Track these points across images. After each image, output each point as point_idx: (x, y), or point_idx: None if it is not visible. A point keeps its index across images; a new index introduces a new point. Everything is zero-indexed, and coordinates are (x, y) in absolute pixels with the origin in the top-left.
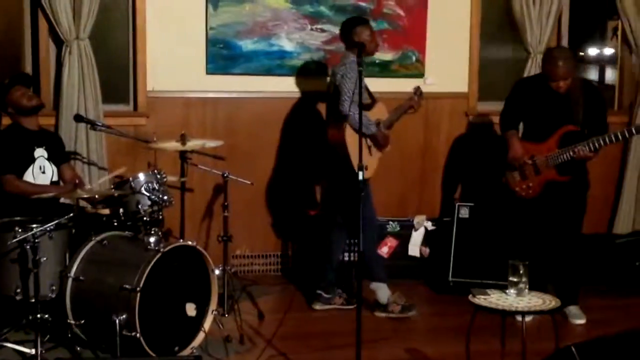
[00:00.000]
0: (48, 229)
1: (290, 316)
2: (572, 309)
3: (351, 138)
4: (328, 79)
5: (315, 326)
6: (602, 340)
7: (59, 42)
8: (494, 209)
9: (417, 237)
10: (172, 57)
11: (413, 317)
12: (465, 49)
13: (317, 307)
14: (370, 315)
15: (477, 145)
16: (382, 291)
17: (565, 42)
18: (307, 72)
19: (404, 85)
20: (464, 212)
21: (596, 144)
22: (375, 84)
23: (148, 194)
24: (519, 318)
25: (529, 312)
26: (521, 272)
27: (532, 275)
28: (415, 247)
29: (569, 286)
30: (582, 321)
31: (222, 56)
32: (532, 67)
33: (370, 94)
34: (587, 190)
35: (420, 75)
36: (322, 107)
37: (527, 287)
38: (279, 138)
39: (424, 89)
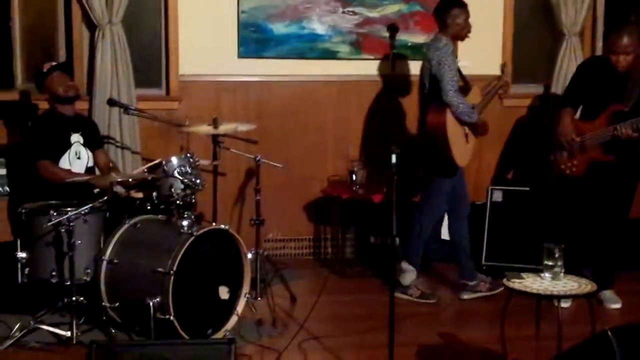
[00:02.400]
0: (83, 212)
1: (323, 299)
2: (607, 294)
3: (452, 124)
4: (421, 63)
5: (348, 310)
6: (637, 324)
7: (92, 27)
8: (531, 191)
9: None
10: (204, 41)
11: (443, 301)
12: (498, 30)
13: (465, 296)
14: (404, 300)
15: (512, 127)
16: (409, 274)
17: (600, 24)
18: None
19: None
20: (497, 196)
21: (635, 124)
22: (409, 67)
23: (181, 178)
24: (558, 303)
25: (564, 296)
26: (556, 255)
27: (568, 258)
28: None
29: (605, 270)
30: (617, 305)
31: (254, 40)
32: (567, 50)
33: (464, 77)
34: (637, 174)
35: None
36: (362, 92)
37: (563, 270)
38: (318, 121)
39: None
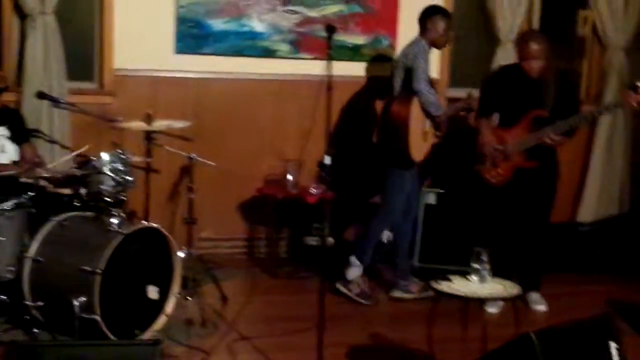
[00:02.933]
0: (6, 208)
1: (255, 300)
2: (534, 296)
3: (415, 118)
4: (393, 59)
5: (280, 310)
6: (560, 328)
7: (23, 17)
8: (461, 197)
9: None
10: (140, 35)
11: (372, 303)
12: None
13: (396, 294)
14: (335, 300)
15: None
16: (354, 270)
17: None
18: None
19: (375, 70)
20: (431, 199)
21: (561, 128)
22: (346, 68)
23: (111, 174)
24: (483, 305)
25: (489, 299)
26: (484, 259)
27: (496, 261)
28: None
29: (531, 273)
30: (543, 308)
31: (192, 35)
32: (503, 55)
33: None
34: (556, 178)
35: (391, 60)
36: (300, 92)
37: (490, 273)
38: (255, 120)
39: None
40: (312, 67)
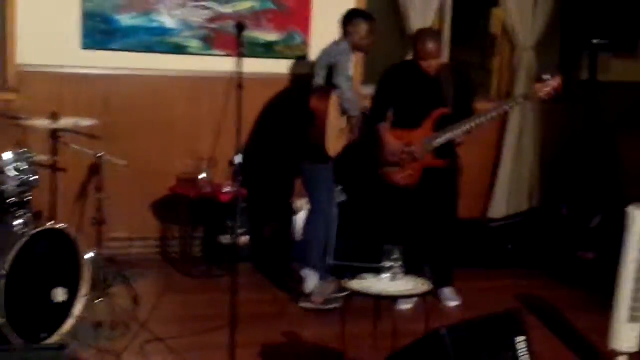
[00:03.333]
0: None
1: (168, 300)
2: (446, 291)
3: (333, 113)
4: (314, 59)
5: (194, 310)
6: (469, 323)
7: None
8: (371, 197)
9: (299, 221)
10: (45, 30)
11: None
12: None
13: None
14: (250, 300)
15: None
16: (311, 280)
17: (447, 28)
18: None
19: (288, 67)
20: (343, 196)
21: (473, 125)
22: (260, 65)
23: (15, 174)
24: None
25: (399, 297)
26: (395, 256)
27: (409, 258)
28: (299, 231)
29: (444, 269)
30: (455, 303)
31: (100, 31)
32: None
33: None
34: (458, 174)
35: (305, 57)
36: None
37: (402, 271)
38: (167, 118)
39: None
40: (224, 64)
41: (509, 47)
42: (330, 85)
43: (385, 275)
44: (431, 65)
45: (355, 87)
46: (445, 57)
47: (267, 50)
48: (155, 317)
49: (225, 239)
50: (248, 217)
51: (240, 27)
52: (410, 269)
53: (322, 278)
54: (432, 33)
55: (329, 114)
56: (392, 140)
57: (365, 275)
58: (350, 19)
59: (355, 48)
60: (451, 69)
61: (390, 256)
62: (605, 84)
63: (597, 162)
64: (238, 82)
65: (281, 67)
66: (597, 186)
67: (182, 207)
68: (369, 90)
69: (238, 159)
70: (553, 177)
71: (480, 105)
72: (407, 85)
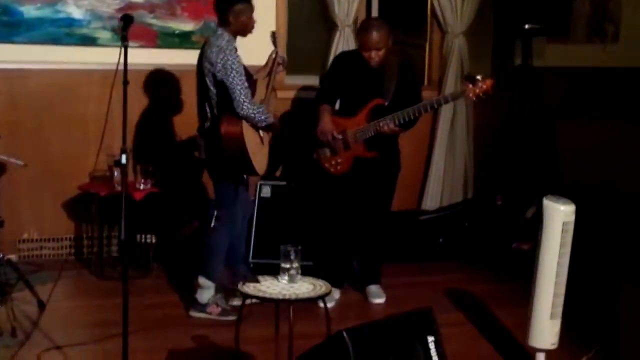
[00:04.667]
0: None
1: (76, 304)
2: (373, 288)
3: (248, 131)
4: (199, 58)
5: (103, 315)
6: (374, 324)
7: None
8: (300, 187)
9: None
10: None
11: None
12: (271, 20)
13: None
14: (159, 303)
15: (286, 119)
16: (206, 290)
17: (374, 15)
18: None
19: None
20: (266, 191)
21: (400, 118)
22: (175, 56)
23: None
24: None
25: (295, 300)
26: (292, 257)
27: (338, 252)
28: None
29: (371, 265)
30: (381, 300)
31: (2, 23)
32: (340, 41)
33: (247, 71)
34: (397, 171)
35: None
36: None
37: (299, 272)
38: (78, 113)
39: None
40: (138, 56)
41: (439, 33)
42: (231, 109)
43: (283, 278)
44: (372, 56)
45: (278, 77)
46: (390, 48)
47: (183, 40)
48: (61, 323)
49: (142, 239)
50: (165, 215)
51: (127, 19)
52: (337, 263)
53: (219, 288)
54: (375, 24)
55: (245, 137)
56: (327, 122)
57: (262, 277)
58: (229, 6)
59: (238, 34)
60: (398, 61)
61: (287, 257)
62: (540, 69)
63: (534, 150)
64: (123, 77)
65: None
66: (533, 175)
67: (93, 206)
68: (293, 80)
69: (123, 159)
70: (488, 167)
71: None
72: (350, 74)
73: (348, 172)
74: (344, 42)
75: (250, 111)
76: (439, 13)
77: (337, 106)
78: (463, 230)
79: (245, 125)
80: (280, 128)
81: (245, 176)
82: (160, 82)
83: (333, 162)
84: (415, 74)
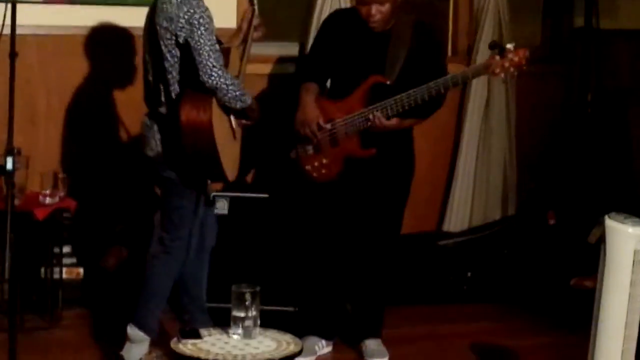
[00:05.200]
0: None
1: None
2: (371, 345)
3: (218, 119)
4: (145, 21)
5: None
6: None
7: None
8: (273, 200)
9: None
10: None
11: None
12: None
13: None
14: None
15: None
16: (137, 346)
17: None
18: None
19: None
20: (222, 206)
21: (397, 106)
22: (98, 15)
23: None
24: None
25: None
26: (248, 302)
27: (324, 291)
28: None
29: (370, 312)
30: None
31: None
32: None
33: (217, 39)
34: (409, 178)
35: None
36: None
37: (258, 323)
38: None
39: None
40: (41, 15)
41: None
42: (198, 84)
43: (236, 331)
44: (370, 12)
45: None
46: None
47: None
48: None
49: (48, 274)
50: (82, 239)
51: None
52: (325, 306)
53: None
54: None
55: (215, 126)
56: (311, 107)
57: (206, 330)
58: None
59: None
60: (411, 24)
61: (241, 302)
62: (610, 33)
63: (600, 149)
64: (10, 47)
65: (132, 18)
66: (599, 184)
67: None
68: (262, 49)
69: (9, 163)
70: (536, 173)
71: None
72: (345, 40)
73: (338, 178)
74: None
75: (222, 81)
76: None
77: (328, 85)
78: (500, 260)
79: (215, 111)
80: (258, 115)
81: (208, 183)
82: (79, 52)
83: (317, 164)
84: (436, 40)
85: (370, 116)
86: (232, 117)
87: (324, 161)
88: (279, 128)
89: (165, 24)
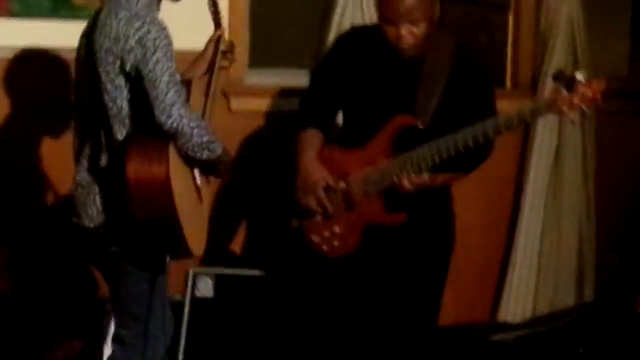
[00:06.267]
0: None
1: None
2: None
3: (178, 173)
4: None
5: None
6: None
7: None
8: (270, 280)
9: None
10: None
11: None
12: None
13: None
14: None
15: (246, 150)
16: None
17: None
18: None
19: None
20: (205, 287)
21: (443, 153)
22: (43, 32)
23: None
24: None
25: None
26: None
27: None
28: (109, 347)
29: None
30: None
31: None
32: (347, 9)
33: None
34: (448, 253)
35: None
36: None
37: None
38: None
39: None
40: None
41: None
42: (147, 124)
43: None
44: (401, 34)
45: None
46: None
47: (57, 4)
48: None
49: None
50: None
51: None
52: None
53: None
54: None
55: (174, 183)
56: (312, 162)
57: None
58: None
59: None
60: (451, 49)
61: None
62: None
63: None
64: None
65: (66, 36)
66: None
67: None
68: (259, 77)
69: None
70: (622, 244)
71: None
72: (362, 68)
73: (355, 253)
74: (354, 11)
75: (185, 122)
76: None
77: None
78: None
79: (174, 163)
80: (231, 167)
81: (167, 259)
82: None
83: (327, 234)
84: (482, 69)
85: (395, 178)
86: (196, 172)
87: (337, 230)
88: (276, 183)
89: (107, 44)
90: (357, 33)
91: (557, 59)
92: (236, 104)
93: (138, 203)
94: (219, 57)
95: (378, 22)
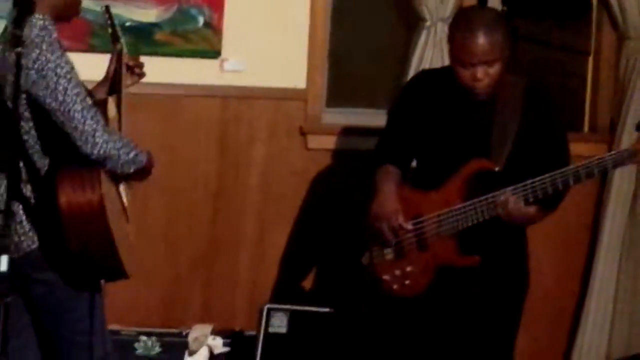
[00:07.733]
0: None
1: None
2: None
3: (109, 194)
4: None
5: None
6: None
7: None
8: (341, 318)
9: None
10: None
11: None
12: (302, 9)
13: None
14: None
15: (321, 188)
16: None
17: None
18: None
19: (184, 71)
20: (279, 322)
21: (530, 193)
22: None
23: None
24: None
25: None
26: None
27: None
28: None
29: None
30: None
31: None
32: (429, 47)
33: (85, 89)
34: (524, 289)
35: (214, 54)
36: None
37: None
38: None
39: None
40: None
41: (611, 35)
42: (69, 151)
43: None
44: (476, 77)
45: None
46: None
47: (142, 40)
48: None
49: None
50: None
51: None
52: None
53: None
54: (485, 18)
55: (107, 205)
56: (388, 196)
57: None
58: None
59: (60, 17)
60: (522, 90)
61: None
62: None
63: None
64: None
65: (168, 72)
66: None
67: None
68: (336, 117)
69: None
70: None
71: None
72: (434, 111)
73: (426, 294)
74: (434, 49)
75: (111, 146)
76: (616, 9)
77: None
78: None
79: (105, 183)
80: (151, 167)
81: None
82: None
83: (398, 273)
84: (555, 110)
85: (502, 197)
86: (121, 188)
87: (409, 269)
88: (348, 222)
89: (10, 76)
90: (426, 76)
91: (637, 104)
92: (313, 142)
93: (73, 233)
94: (123, 74)
95: (451, 64)
